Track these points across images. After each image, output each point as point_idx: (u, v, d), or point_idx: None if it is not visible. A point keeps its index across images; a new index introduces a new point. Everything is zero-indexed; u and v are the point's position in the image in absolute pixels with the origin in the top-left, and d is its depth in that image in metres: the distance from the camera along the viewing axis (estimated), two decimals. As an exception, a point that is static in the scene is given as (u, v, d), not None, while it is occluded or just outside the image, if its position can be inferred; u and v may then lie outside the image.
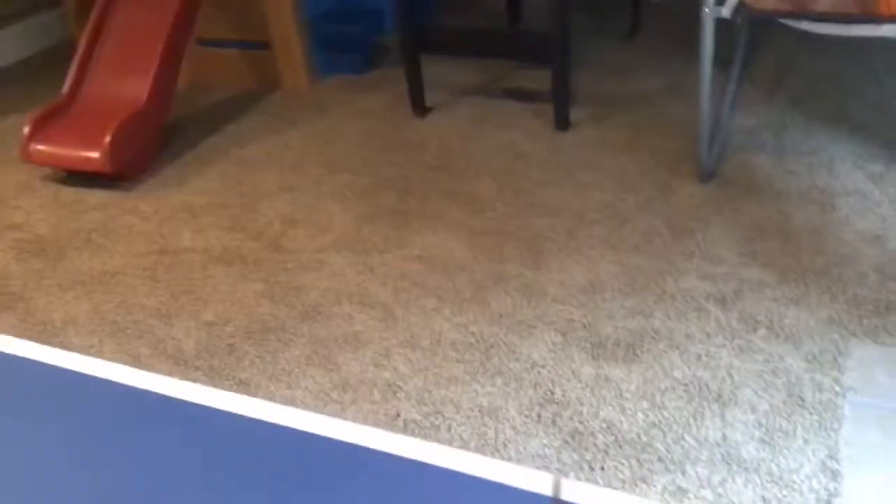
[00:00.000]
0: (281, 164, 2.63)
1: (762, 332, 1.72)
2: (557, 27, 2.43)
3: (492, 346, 1.77)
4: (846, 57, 2.75)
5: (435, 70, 2.81)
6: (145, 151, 2.66)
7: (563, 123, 2.60)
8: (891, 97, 2.54)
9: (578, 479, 1.44)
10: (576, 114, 2.65)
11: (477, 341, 1.79)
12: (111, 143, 2.46)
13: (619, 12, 3.21)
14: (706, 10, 1.96)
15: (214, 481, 1.53)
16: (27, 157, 2.58)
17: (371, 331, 1.86)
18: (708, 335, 1.73)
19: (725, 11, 1.94)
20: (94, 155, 2.47)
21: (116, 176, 2.56)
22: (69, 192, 2.61)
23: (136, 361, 1.85)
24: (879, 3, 2.00)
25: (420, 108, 2.80)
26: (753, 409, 1.54)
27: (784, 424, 1.50)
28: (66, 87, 2.71)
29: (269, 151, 2.71)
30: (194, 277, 2.12)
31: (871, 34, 1.93)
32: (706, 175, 2.24)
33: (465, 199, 2.32)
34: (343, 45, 3.15)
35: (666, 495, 1.39)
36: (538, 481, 1.44)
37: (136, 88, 2.64)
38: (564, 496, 1.41)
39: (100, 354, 1.89)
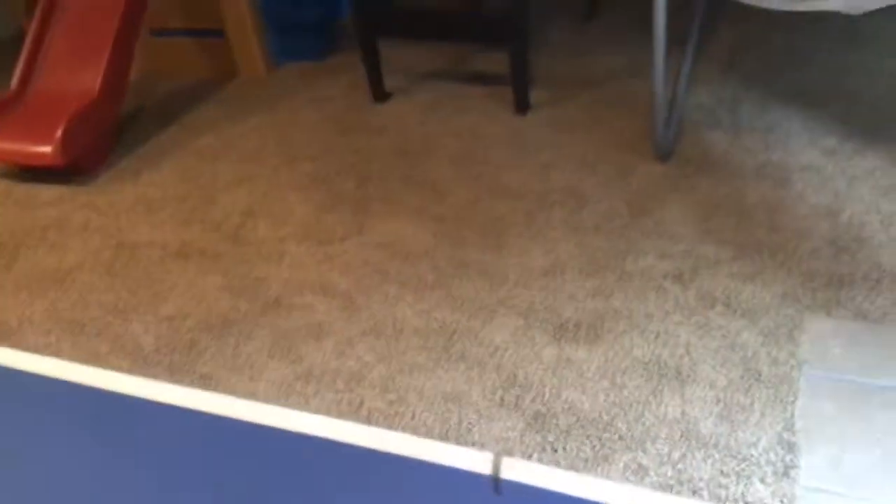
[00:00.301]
0: (239, 154, 2.59)
1: (719, 308, 1.74)
2: (516, 9, 2.43)
3: (455, 331, 1.78)
4: (799, 33, 2.78)
5: (394, 54, 2.80)
6: (99, 145, 2.61)
7: (522, 106, 2.60)
8: (843, 72, 2.57)
9: (541, 461, 1.45)
10: (535, 96, 2.65)
11: (440, 327, 1.79)
12: (63, 136, 2.41)
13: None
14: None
15: (177, 478, 1.52)
16: (-24, 154, 2.52)
17: (333, 320, 1.85)
18: (666, 313, 1.75)
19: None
20: (46, 149, 2.42)
21: (70, 170, 2.51)
22: (22, 189, 2.55)
23: (95, 359, 1.82)
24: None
25: (379, 93, 2.78)
26: (712, 385, 1.56)
27: (741, 399, 1.53)
28: (14, 81, 2.64)
29: (227, 141, 2.68)
30: (152, 272, 2.09)
31: (819, 8, 1.95)
32: (664, 153, 2.26)
33: (425, 184, 2.31)
34: (300, 30, 3.11)
35: (628, 473, 1.41)
36: (478, 461, 1.45)
37: (88, 80, 2.58)
38: (505, 475, 1.43)
39: (57, 353, 1.86)
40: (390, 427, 1.56)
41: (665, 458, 1.43)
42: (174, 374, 1.75)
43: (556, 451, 1.47)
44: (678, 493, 1.37)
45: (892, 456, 1.39)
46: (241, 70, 3.08)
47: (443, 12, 3.03)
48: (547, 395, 1.59)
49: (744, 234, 1.95)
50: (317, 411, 1.62)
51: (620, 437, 1.48)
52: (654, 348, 1.67)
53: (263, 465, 1.51)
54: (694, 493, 1.37)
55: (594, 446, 1.47)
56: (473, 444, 1.50)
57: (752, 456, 1.42)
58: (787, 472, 1.38)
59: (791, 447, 1.42)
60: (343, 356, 1.75)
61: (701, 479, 1.39)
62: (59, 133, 2.40)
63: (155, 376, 1.76)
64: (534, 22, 2.62)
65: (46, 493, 1.53)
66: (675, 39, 2.13)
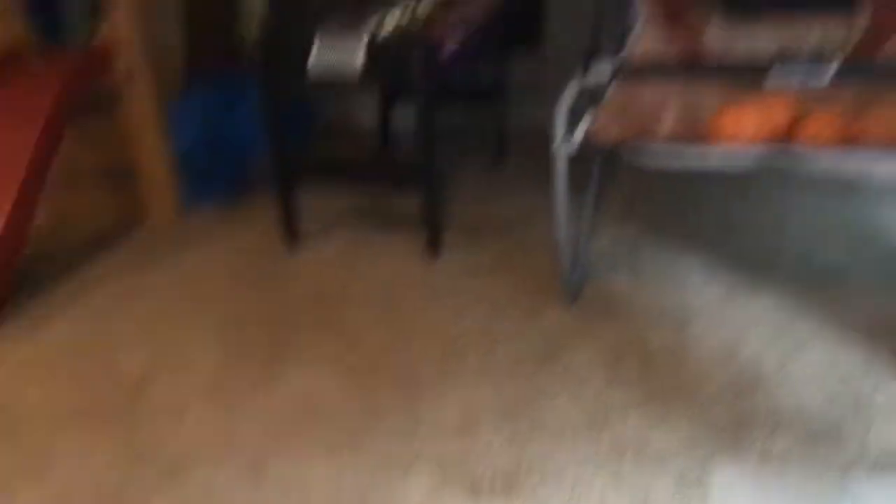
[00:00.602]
0: (143, 306, 2.52)
1: (630, 455, 1.76)
2: (424, 155, 2.53)
3: (368, 491, 1.72)
4: (692, 182, 2.97)
5: (309, 198, 2.83)
6: (-5, 295, 2.49)
7: (434, 249, 2.66)
8: (733, 217, 2.76)
9: None
10: (447, 239, 2.72)
11: (353, 489, 1.73)
12: (-45, 290, 2.29)
13: (485, 139, 3.38)
14: (556, 144, 2.09)
15: None
16: None
17: (236, 489, 1.76)
18: (580, 462, 1.75)
19: (574, 145, 2.07)
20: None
21: (-40, 324, 2.38)
22: None
23: (-26, 540, 1.67)
24: (711, 128, 2.20)
25: (293, 238, 2.79)
26: (628, 539, 1.55)
27: (657, 552, 1.52)
28: None
29: (130, 292, 2.60)
30: (40, 439, 1.96)
31: (708, 162, 2.10)
32: (571, 298, 2.33)
33: (338, 331, 2.30)
34: (212, 175, 3.13)
35: None
36: None
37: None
38: None
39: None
40: None
41: None
42: (64, 552, 1.62)
43: None
44: None
45: None
46: (151, 215, 3.05)
47: (357, 158, 3.13)
48: (464, 558, 1.54)
49: (650, 379, 2.00)
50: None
51: None
52: (570, 499, 1.66)
53: None
54: None
55: None
56: None
57: None
58: None
59: None
60: (250, 524, 1.66)
61: None
62: (-50, 286, 2.29)
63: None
64: (443, 167, 2.72)
65: None
66: (577, 186, 2.25)
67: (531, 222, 2.81)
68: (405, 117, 3.23)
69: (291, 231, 2.78)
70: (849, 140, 2.03)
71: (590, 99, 2.18)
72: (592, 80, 2.03)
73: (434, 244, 2.66)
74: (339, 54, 2.50)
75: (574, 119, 2.13)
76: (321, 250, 2.77)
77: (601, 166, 2.66)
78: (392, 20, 2.74)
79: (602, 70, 2.03)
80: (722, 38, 2.59)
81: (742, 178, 2.64)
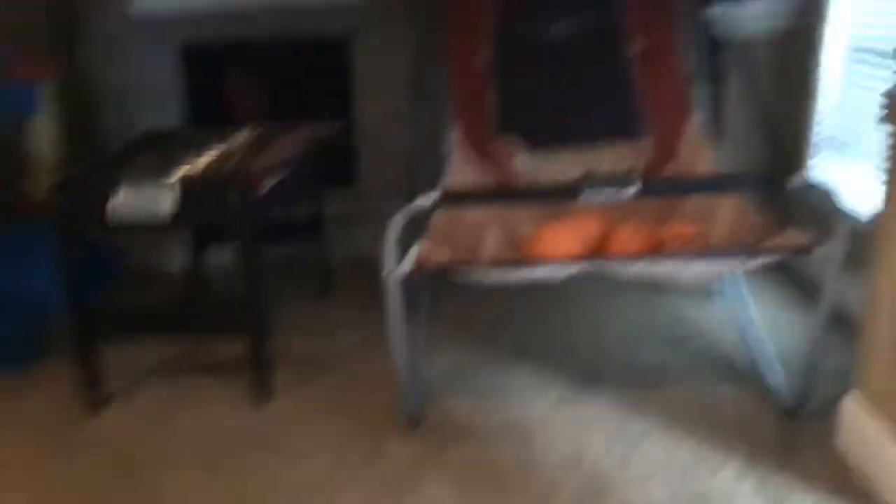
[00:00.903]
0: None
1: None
2: (250, 295, 2.41)
3: None
4: (520, 299, 3.06)
5: (115, 354, 2.57)
6: None
7: (264, 393, 2.50)
8: (558, 330, 2.87)
9: None
10: (277, 381, 2.57)
11: None
12: None
13: (309, 273, 3.32)
14: (387, 271, 2.08)
15: None
16: None
17: None
18: None
19: (404, 271, 2.08)
20: None
21: None
22: None
23: None
24: (530, 248, 2.32)
25: (98, 400, 2.50)
26: None
27: None
28: None
29: None
30: None
31: (530, 278, 2.19)
32: (413, 427, 2.27)
33: (157, 500, 2.04)
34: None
35: None
36: None
37: None
38: None
39: None
40: None
41: None
42: None
43: None
44: None
45: None
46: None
47: (169, 304, 2.93)
48: None
49: (502, 497, 1.96)
50: None
51: None
52: None
53: None
54: None
55: None
56: None
57: None
58: None
59: None
60: None
61: None
62: None
63: None
64: (268, 305, 2.61)
65: None
66: (409, 308, 2.24)
67: (364, 354, 2.75)
68: (220, 257, 3.12)
69: (95, 392, 2.49)
70: (654, 248, 2.22)
71: (416, 228, 2.22)
72: (416, 210, 2.08)
73: (263, 388, 2.50)
74: (146, 198, 2.38)
75: (402, 247, 2.15)
76: (133, 409, 2.50)
77: (431, 290, 2.70)
78: (203, 161, 2.68)
79: (424, 201, 2.09)
80: (529, 167, 2.80)
81: (563, 289, 2.78)
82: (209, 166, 2.68)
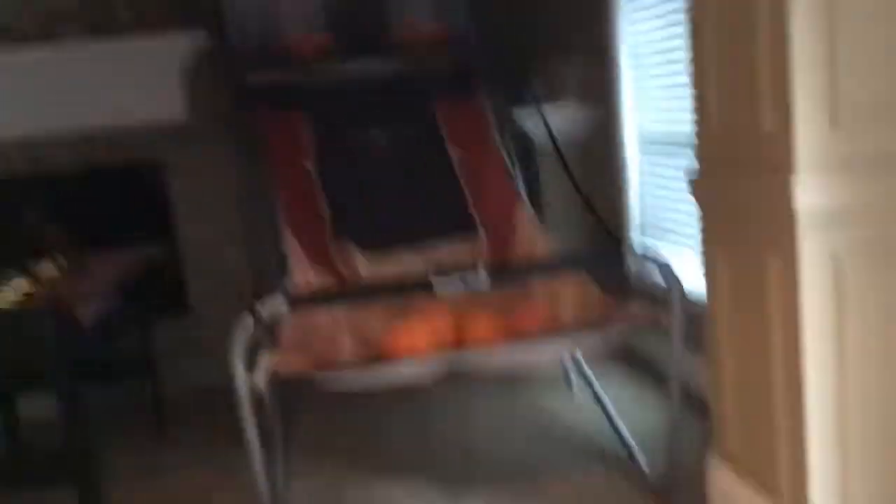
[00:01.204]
0: None
1: None
2: (74, 442, 2.11)
3: None
4: (381, 408, 2.95)
5: None
6: None
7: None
8: (424, 437, 2.76)
9: None
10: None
11: None
12: None
13: (141, 411, 3.02)
14: (238, 381, 1.91)
15: None
16: None
17: None
18: None
19: (259, 380, 1.92)
20: None
21: None
22: None
23: None
24: (385, 346, 2.23)
25: None
26: None
27: None
28: None
29: None
30: None
31: (391, 379, 2.09)
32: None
33: None
34: None
35: None
36: None
37: None
38: None
39: None
40: None
41: None
42: None
43: None
44: None
45: None
46: None
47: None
48: None
49: None
50: None
51: None
52: None
53: None
54: None
55: None
56: None
57: None
58: None
59: None
60: None
61: None
62: None
63: None
64: (97, 450, 2.29)
65: None
66: (263, 429, 2.06)
67: (212, 493, 2.47)
68: (34, 407, 2.76)
69: None
70: (509, 333, 2.22)
71: (261, 338, 2.08)
72: (263, 314, 1.94)
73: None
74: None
75: (249, 359, 1.99)
76: None
77: (283, 404, 2.51)
78: (10, 291, 2.38)
79: (270, 304, 1.97)
80: (369, 268, 2.76)
81: (424, 395, 2.71)
82: (19, 296, 2.39)
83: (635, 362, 3.07)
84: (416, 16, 3.32)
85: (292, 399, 2.52)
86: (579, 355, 2.80)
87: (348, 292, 2.56)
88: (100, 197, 3.55)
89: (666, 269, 2.09)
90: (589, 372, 2.80)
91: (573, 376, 2.93)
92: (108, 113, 3.41)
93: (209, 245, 3.54)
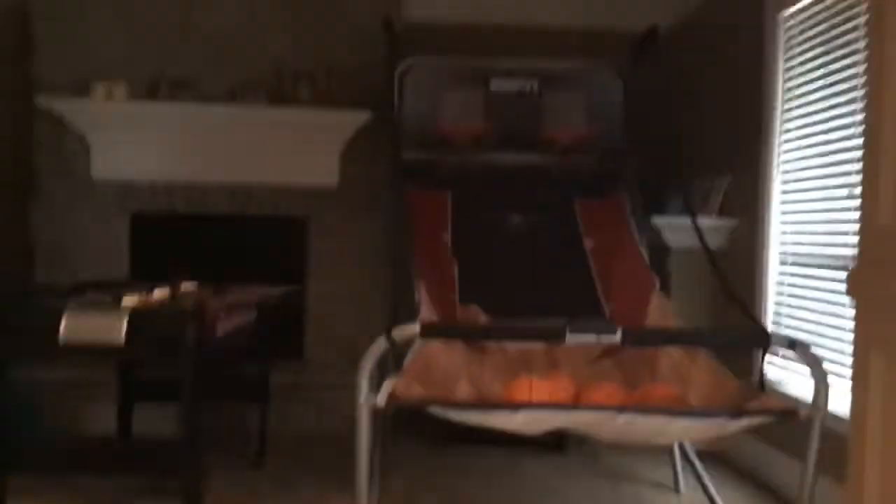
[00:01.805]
0: None
1: None
2: (186, 431, 2.15)
3: None
4: (489, 482, 2.87)
5: (27, 499, 2.18)
6: None
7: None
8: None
9: None
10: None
11: None
12: None
13: (245, 439, 3.07)
14: (361, 399, 1.92)
15: None
16: None
17: None
18: None
19: (380, 400, 1.92)
20: None
21: None
22: None
23: None
24: (507, 396, 2.18)
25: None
26: None
27: None
28: None
29: None
30: None
31: (507, 424, 2.03)
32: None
33: None
34: None
35: None
36: None
37: None
38: None
39: None
40: None
41: None
42: None
43: None
44: None
45: None
46: None
47: (94, 441, 2.56)
48: None
49: None
50: None
51: None
52: None
53: None
54: None
55: None
56: None
57: None
58: None
59: None
60: None
61: None
62: None
63: None
64: (203, 463, 2.31)
65: None
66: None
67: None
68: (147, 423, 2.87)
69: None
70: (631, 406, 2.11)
71: (391, 362, 2.10)
72: (395, 341, 1.98)
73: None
74: (98, 322, 2.23)
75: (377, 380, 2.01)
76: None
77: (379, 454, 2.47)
78: (157, 296, 2.54)
79: (404, 328, 2.00)
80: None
81: (526, 473, 2.59)
82: (163, 301, 2.54)
83: (752, 478, 2.86)
84: (571, 121, 3.45)
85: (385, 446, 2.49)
86: (693, 455, 2.64)
87: (480, 329, 2.55)
88: (245, 242, 3.79)
89: (813, 361, 1.98)
90: (703, 472, 2.62)
91: (681, 478, 2.76)
92: (271, 171, 3.70)
93: (332, 300, 3.68)
